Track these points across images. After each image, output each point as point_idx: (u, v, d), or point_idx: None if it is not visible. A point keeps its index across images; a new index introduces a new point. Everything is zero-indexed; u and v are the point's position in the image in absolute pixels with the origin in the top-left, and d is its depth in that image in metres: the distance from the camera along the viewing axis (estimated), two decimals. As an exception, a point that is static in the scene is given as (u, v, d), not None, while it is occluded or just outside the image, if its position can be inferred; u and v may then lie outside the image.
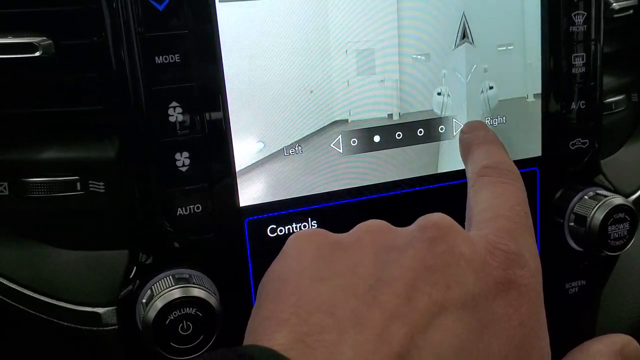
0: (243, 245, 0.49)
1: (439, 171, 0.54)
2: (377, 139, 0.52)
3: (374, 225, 0.34)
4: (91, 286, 0.48)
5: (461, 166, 0.48)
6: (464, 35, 0.53)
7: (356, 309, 0.28)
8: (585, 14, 0.56)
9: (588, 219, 0.56)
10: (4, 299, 0.48)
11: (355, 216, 0.47)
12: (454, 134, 0.54)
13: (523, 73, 0.56)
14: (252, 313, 0.32)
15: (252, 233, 0.49)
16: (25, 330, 0.49)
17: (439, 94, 0.53)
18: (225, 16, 0.46)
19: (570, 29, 0.55)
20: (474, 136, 0.46)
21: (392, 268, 0.30)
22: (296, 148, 0.50)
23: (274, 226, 0.50)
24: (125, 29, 0.44)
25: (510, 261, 0.31)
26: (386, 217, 0.35)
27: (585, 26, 0.56)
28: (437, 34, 0.52)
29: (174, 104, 0.45)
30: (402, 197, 0.53)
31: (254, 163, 0.49)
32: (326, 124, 0.50)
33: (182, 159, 0.46)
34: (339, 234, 0.34)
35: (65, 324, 0.48)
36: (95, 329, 0.48)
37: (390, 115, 0.52)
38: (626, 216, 0.56)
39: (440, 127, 0.54)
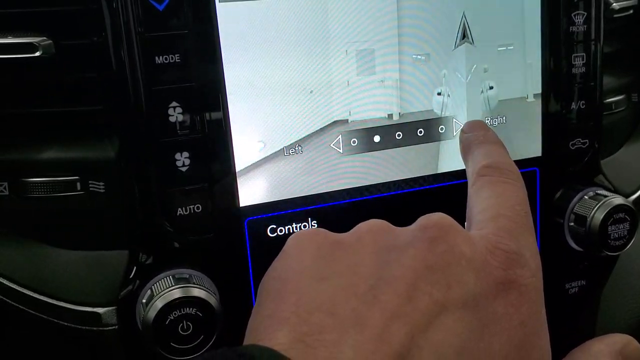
0: (243, 245, 0.49)
1: (439, 171, 0.54)
2: (377, 139, 0.52)
3: (375, 225, 0.34)
4: (91, 286, 0.48)
5: (461, 166, 0.48)
6: (464, 35, 0.53)
7: (356, 309, 0.28)
8: (585, 14, 0.56)
9: (588, 219, 0.56)
10: (4, 299, 0.48)
11: (355, 216, 0.47)
12: (454, 134, 0.54)
13: (523, 73, 0.56)
14: (252, 312, 0.32)
15: (252, 233, 0.49)
16: (26, 330, 0.49)
17: (439, 94, 0.53)
18: (225, 16, 0.46)
19: (571, 29, 0.55)
20: (474, 136, 0.46)
21: (392, 267, 0.30)
22: (296, 148, 0.50)
23: (274, 226, 0.50)
24: (125, 29, 0.44)
25: (510, 261, 0.31)
26: (386, 217, 0.35)
27: (585, 26, 0.56)
28: (437, 34, 0.52)
29: (174, 104, 0.45)
30: (402, 197, 0.53)
31: (254, 163, 0.49)
32: (326, 123, 0.50)
33: (182, 159, 0.46)
34: (340, 234, 0.34)
35: (65, 324, 0.48)
36: (95, 329, 0.48)
37: (390, 115, 0.52)
38: (626, 216, 0.56)
39: (440, 127, 0.54)
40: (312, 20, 0.48)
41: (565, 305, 0.61)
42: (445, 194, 0.54)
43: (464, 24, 0.53)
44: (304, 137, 0.50)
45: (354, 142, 0.51)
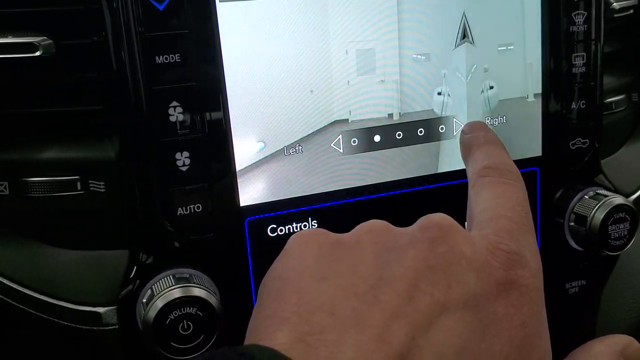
0: (243, 245, 0.49)
1: (439, 171, 0.54)
2: (377, 138, 0.52)
3: (375, 225, 0.34)
4: (91, 286, 0.48)
5: (461, 166, 0.48)
6: (464, 35, 0.53)
7: (357, 309, 0.28)
8: (586, 13, 0.56)
9: (588, 219, 0.56)
10: (5, 298, 0.48)
11: (356, 216, 0.47)
12: (454, 133, 0.54)
13: (523, 73, 0.56)
14: (253, 312, 0.32)
15: (252, 233, 0.49)
16: (26, 329, 0.49)
17: (439, 93, 0.53)
18: (226, 16, 0.46)
19: (571, 29, 0.55)
20: (474, 136, 0.46)
21: (393, 268, 0.30)
22: (296, 148, 0.50)
23: (274, 226, 0.50)
24: (126, 28, 0.44)
25: (511, 261, 0.31)
26: (387, 217, 0.35)
27: (585, 26, 0.56)
28: (438, 34, 0.52)
29: (174, 103, 0.45)
30: (403, 197, 0.53)
31: (254, 163, 0.49)
32: (326, 123, 0.50)
33: (183, 159, 0.46)
34: (340, 234, 0.34)
35: (66, 323, 0.48)
36: (95, 328, 0.48)
37: (391, 115, 0.52)
38: (626, 216, 0.56)
39: (441, 126, 0.54)
40: (312, 19, 0.48)
41: (566, 305, 0.61)
42: (446, 193, 0.54)
43: (464, 23, 0.53)
44: (304, 137, 0.50)
45: (354, 141, 0.51)
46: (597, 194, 0.57)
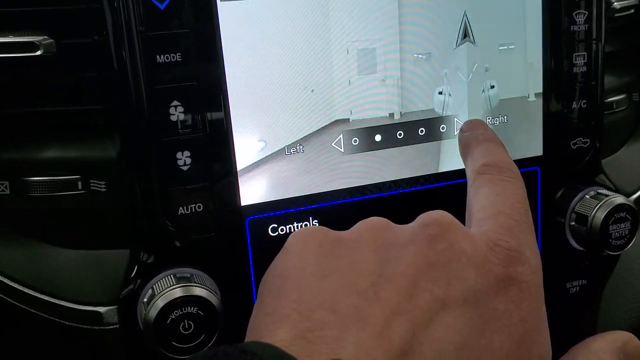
0: (244, 244, 0.49)
1: (440, 170, 0.54)
2: (378, 138, 0.52)
3: (375, 223, 0.34)
4: (92, 285, 0.48)
5: (462, 165, 0.48)
6: (465, 35, 0.53)
7: (358, 306, 0.28)
8: (587, 13, 0.56)
9: (589, 219, 0.56)
10: (5, 298, 0.48)
11: (356, 215, 0.46)
12: (455, 133, 0.54)
13: (524, 72, 0.56)
14: (253, 309, 0.32)
15: (253, 232, 0.49)
16: (26, 329, 0.49)
17: (440, 93, 0.53)
18: (226, 15, 0.46)
19: (572, 28, 0.56)
20: (473, 135, 0.46)
21: (393, 265, 0.30)
22: (297, 147, 0.50)
23: (275, 225, 0.50)
24: (127, 27, 0.44)
25: (510, 258, 0.32)
26: (388, 216, 0.35)
27: (586, 25, 0.56)
28: (439, 33, 0.52)
29: (175, 103, 0.45)
30: (403, 196, 0.53)
31: (255, 162, 0.49)
32: (327, 123, 0.50)
33: (184, 158, 0.46)
34: (340, 232, 0.34)
35: (67, 323, 0.48)
36: (96, 328, 0.48)
37: (392, 115, 0.52)
38: (627, 215, 0.56)
39: (442, 126, 0.54)
40: (313, 19, 0.48)
41: (566, 305, 0.61)
42: (447, 193, 0.54)
43: (465, 23, 0.53)
44: (305, 137, 0.50)
45: (355, 141, 0.51)
46: (598, 193, 0.57)
